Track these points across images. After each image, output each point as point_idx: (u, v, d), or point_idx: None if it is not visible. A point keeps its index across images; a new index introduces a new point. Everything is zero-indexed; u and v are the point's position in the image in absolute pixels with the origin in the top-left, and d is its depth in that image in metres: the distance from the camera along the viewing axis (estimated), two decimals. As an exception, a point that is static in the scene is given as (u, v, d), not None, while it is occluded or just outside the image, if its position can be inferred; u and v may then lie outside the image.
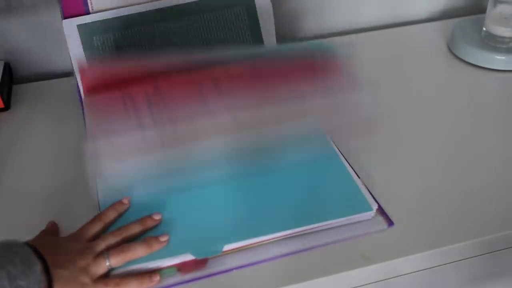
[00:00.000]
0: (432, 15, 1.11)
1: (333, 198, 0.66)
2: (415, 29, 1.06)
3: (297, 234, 0.63)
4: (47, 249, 0.56)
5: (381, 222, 0.66)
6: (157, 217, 0.60)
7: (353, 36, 1.04)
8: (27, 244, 0.55)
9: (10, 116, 0.85)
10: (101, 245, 0.60)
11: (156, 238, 0.61)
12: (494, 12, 0.93)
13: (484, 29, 0.96)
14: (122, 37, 0.81)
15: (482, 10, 1.01)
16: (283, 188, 0.68)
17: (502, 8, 0.93)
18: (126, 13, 0.80)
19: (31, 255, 0.52)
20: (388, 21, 1.09)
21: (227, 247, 0.61)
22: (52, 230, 0.65)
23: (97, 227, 0.63)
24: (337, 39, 1.03)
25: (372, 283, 0.64)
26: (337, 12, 1.05)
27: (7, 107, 0.86)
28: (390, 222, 0.66)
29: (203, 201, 0.66)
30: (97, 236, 0.62)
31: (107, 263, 0.59)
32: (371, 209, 0.65)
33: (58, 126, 0.83)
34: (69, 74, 0.93)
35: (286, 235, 0.63)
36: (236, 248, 0.62)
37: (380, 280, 0.64)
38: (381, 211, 0.66)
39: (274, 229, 0.63)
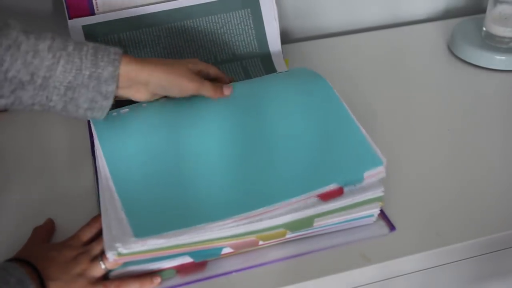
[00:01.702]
0: (432, 15, 1.11)
1: (342, 155, 0.64)
2: (415, 29, 1.06)
3: (297, 237, 0.63)
4: (42, 263, 0.57)
5: (383, 226, 0.65)
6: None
7: (352, 36, 1.04)
8: (23, 261, 0.57)
9: (10, 116, 0.85)
10: (97, 248, 0.60)
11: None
12: (494, 12, 0.93)
13: (484, 29, 0.96)
14: (127, 39, 0.81)
15: (482, 10, 1.01)
16: (288, 150, 0.66)
17: (502, 8, 0.93)
18: (131, 15, 0.80)
19: (26, 277, 0.55)
20: (388, 21, 1.09)
21: (235, 218, 0.59)
22: (47, 228, 0.66)
23: (94, 230, 0.63)
24: (337, 39, 1.03)
25: (372, 283, 0.64)
26: (338, 12, 1.05)
27: (7, 107, 0.86)
28: (392, 227, 0.65)
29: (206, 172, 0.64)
30: (94, 239, 0.62)
31: (103, 266, 0.59)
32: (381, 163, 0.63)
33: (58, 126, 0.83)
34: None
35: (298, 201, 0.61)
36: (235, 248, 0.62)
37: (381, 280, 0.64)
38: (383, 215, 0.66)
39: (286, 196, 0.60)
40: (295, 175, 0.63)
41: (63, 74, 0.62)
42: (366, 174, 0.62)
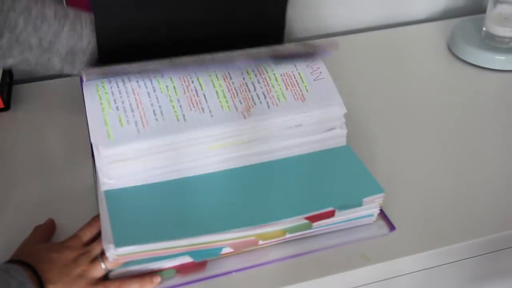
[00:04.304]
0: (432, 15, 1.11)
1: (342, 182, 0.65)
2: (415, 29, 1.06)
3: (297, 237, 0.63)
4: (42, 265, 0.57)
5: (383, 226, 0.65)
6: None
7: (352, 36, 1.04)
8: (23, 263, 0.57)
9: (10, 116, 0.85)
10: (97, 249, 0.60)
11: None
12: (494, 12, 0.93)
13: (484, 29, 0.96)
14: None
15: (482, 10, 1.01)
16: (288, 174, 0.66)
17: (502, 8, 0.93)
18: None
19: (27, 280, 0.55)
20: (388, 21, 1.09)
21: (232, 235, 0.60)
22: (47, 228, 0.66)
23: (94, 229, 0.63)
24: (337, 39, 1.03)
25: (372, 283, 0.64)
26: (337, 12, 1.05)
27: (7, 107, 0.86)
28: (392, 227, 0.65)
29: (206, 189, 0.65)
30: (94, 239, 0.62)
31: (103, 266, 0.59)
32: (383, 191, 0.63)
33: (58, 126, 0.83)
34: (69, 74, 0.94)
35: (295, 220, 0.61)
36: (235, 248, 0.62)
37: (381, 280, 0.64)
38: (382, 215, 0.66)
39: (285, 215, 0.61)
40: (293, 198, 0.63)
41: (66, 39, 0.67)
42: (365, 200, 0.63)
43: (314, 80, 0.69)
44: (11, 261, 0.58)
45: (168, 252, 0.59)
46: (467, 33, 0.97)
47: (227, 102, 0.66)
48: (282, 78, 0.69)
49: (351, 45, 1.01)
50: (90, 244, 0.61)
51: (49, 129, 0.82)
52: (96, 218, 0.64)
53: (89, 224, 0.64)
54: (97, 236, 0.62)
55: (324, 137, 0.68)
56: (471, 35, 0.97)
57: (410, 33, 1.05)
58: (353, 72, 0.93)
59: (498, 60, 0.92)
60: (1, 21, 0.64)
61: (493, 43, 0.94)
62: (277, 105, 0.66)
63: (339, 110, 0.68)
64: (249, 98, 0.67)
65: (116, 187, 0.63)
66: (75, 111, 0.84)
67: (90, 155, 0.76)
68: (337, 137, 0.69)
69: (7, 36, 0.65)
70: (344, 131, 0.69)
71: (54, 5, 0.68)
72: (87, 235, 0.63)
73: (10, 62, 0.68)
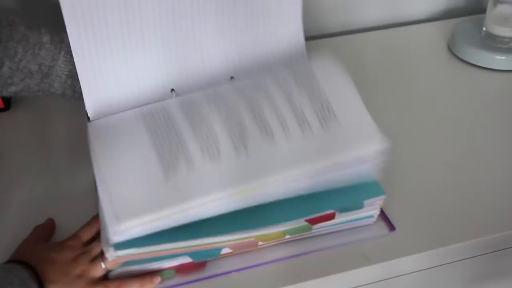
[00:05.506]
0: (432, 15, 1.11)
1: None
2: (415, 29, 1.06)
3: (297, 238, 0.63)
4: (42, 265, 0.58)
5: (383, 227, 0.65)
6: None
7: (352, 36, 1.04)
8: (25, 264, 0.57)
9: (10, 116, 0.85)
10: (97, 248, 0.60)
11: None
12: (494, 12, 0.93)
13: (484, 29, 0.96)
14: None
15: (482, 10, 1.01)
16: None
17: (502, 8, 0.93)
18: None
19: (28, 279, 0.55)
20: (388, 21, 1.09)
21: (235, 237, 0.60)
22: (47, 227, 0.66)
23: (94, 229, 0.63)
24: (337, 39, 1.03)
25: (372, 283, 0.64)
26: (337, 12, 1.05)
27: (7, 107, 0.86)
28: (391, 227, 0.65)
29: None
30: (94, 239, 0.62)
31: (103, 266, 0.59)
32: (383, 193, 0.63)
33: (58, 126, 0.83)
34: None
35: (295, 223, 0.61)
36: (234, 249, 0.62)
37: (381, 280, 0.64)
38: (382, 216, 0.66)
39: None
40: (293, 201, 0.62)
41: (64, 63, 0.68)
42: (366, 202, 0.62)
43: None
44: (11, 261, 0.58)
45: (168, 253, 0.58)
46: (467, 33, 0.97)
47: None
48: None
49: (351, 45, 1.01)
50: (89, 244, 0.62)
51: (49, 129, 0.82)
52: (96, 218, 0.64)
53: (88, 224, 0.64)
54: (97, 236, 0.62)
55: None
56: (471, 35, 0.97)
57: (410, 33, 1.05)
58: (352, 73, 0.92)
59: (498, 60, 0.92)
60: (0, 50, 0.65)
61: (493, 43, 0.94)
62: None
63: None
64: None
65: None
66: (75, 111, 0.84)
67: (90, 155, 0.76)
68: None
69: (7, 64, 0.66)
70: None
71: (50, 32, 0.69)
72: (87, 235, 0.63)
73: (12, 89, 0.69)
